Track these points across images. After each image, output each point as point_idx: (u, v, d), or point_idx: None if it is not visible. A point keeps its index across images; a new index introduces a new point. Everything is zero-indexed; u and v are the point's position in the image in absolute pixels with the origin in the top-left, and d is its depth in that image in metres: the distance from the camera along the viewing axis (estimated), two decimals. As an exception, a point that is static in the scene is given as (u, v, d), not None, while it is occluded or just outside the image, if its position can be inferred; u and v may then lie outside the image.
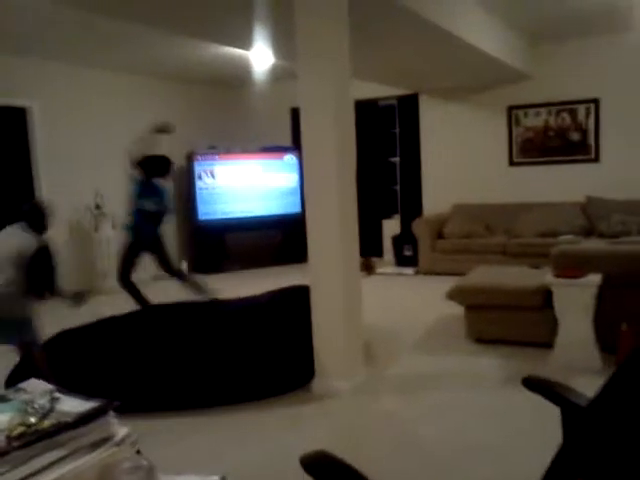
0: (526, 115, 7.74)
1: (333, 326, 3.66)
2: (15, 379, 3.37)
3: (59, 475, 1.10)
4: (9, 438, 1.08)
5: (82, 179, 7.24)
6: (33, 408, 1.20)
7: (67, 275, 7.07)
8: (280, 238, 8.57)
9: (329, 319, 3.66)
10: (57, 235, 7.01)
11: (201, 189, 8.26)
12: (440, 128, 8.32)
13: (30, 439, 1.08)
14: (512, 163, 7.93)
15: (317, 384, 3.68)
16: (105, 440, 1.20)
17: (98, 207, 7.15)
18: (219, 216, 8.37)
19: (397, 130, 8.68)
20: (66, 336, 3.67)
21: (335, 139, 3.60)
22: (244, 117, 9.41)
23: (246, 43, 5.33)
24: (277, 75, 8.19)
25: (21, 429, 1.11)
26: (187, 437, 3.13)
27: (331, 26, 3.58)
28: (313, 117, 3.67)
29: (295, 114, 8.84)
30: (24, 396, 1.27)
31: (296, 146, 8.74)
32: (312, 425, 3.25)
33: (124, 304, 5.33)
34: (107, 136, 7.62)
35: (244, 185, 8.52)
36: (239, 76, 8.43)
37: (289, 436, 3.10)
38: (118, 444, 1.20)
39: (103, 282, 7.16)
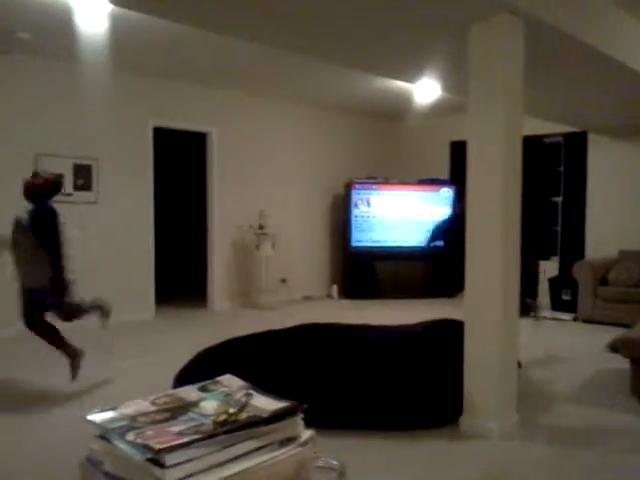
0: None
1: (487, 365, 3.58)
2: (185, 375, 3.67)
3: (253, 465, 1.22)
4: (215, 423, 1.22)
5: (248, 200, 7.77)
6: (232, 400, 1.34)
7: (228, 288, 7.63)
8: (430, 270, 8.53)
9: (483, 358, 3.59)
10: (223, 250, 7.60)
11: (356, 216, 8.48)
12: (609, 168, 7.85)
13: (232, 427, 1.21)
14: (693, 210, 7.27)
15: (466, 422, 3.61)
16: (292, 439, 1.30)
17: (261, 227, 7.61)
18: (372, 244, 8.53)
19: (562, 168, 8.32)
20: (231, 344, 3.95)
21: (502, 176, 3.56)
22: (403, 149, 9.56)
23: (413, 77, 5.46)
24: (438, 109, 8.24)
25: (224, 417, 1.25)
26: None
27: (505, 62, 3.57)
28: (481, 152, 3.66)
29: (454, 148, 8.82)
30: (222, 389, 1.42)
31: (454, 180, 8.71)
32: (462, 464, 3.18)
33: (277, 319, 5.60)
34: (273, 160, 8.12)
35: (398, 215, 8.62)
36: (401, 108, 8.59)
37: (438, 471, 3.07)
38: (303, 445, 1.31)
39: (261, 297, 7.58)
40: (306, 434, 1.33)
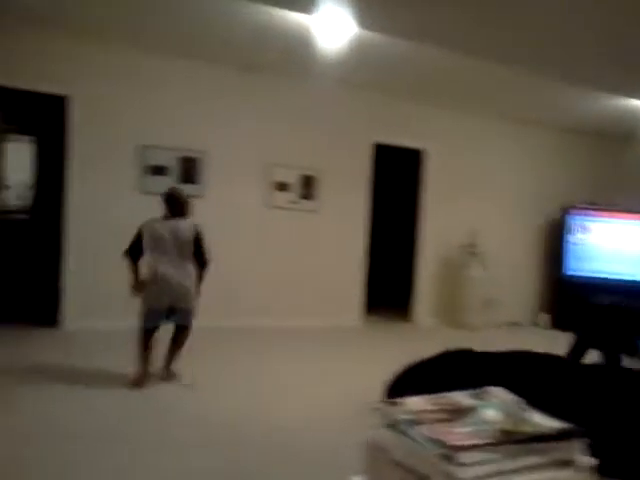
0: None
1: None
2: (398, 386, 3.73)
3: None
4: (500, 431, 1.25)
5: (458, 217, 7.70)
6: (510, 412, 1.35)
7: (433, 304, 7.61)
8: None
9: None
10: (431, 267, 7.62)
11: (572, 243, 7.97)
12: None
13: (519, 438, 1.23)
14: None
15: None
16: (570, 462, 1.28)
17: (470, 246, 7.49)
18: (587, 274, 7.95)
19: None
20: (446, 358, 3.93)
21: None
22: (630, 173, 8.78)
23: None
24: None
25: (509, 427, 1.27)
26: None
27: None
28: None
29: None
30: (494, 399, 1.44)
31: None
32: None
33: (482, 341, 5.43)
34: (483, 179, 7.95)
35: (621, 245, 7.94)
36: (630, 128, 7.93)
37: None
38: (582, 470, 1.27)
39: (466, 317, 7.47)
40: (584, 460, 1.29)
